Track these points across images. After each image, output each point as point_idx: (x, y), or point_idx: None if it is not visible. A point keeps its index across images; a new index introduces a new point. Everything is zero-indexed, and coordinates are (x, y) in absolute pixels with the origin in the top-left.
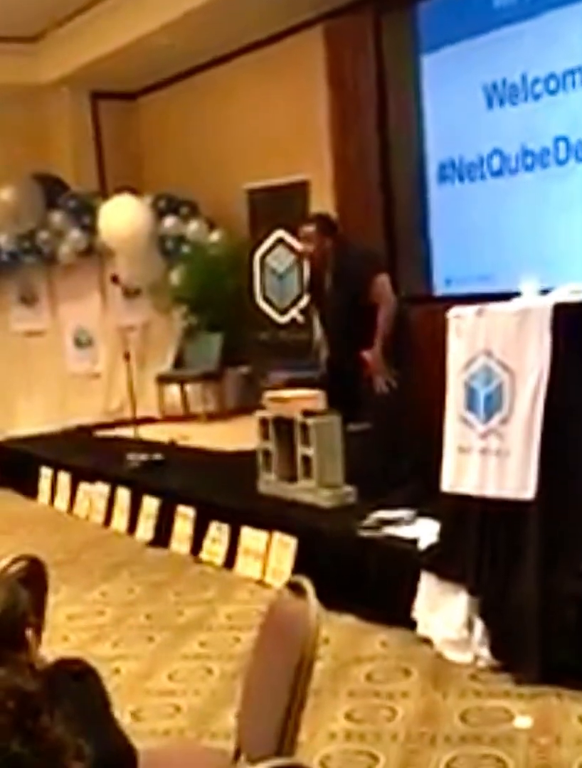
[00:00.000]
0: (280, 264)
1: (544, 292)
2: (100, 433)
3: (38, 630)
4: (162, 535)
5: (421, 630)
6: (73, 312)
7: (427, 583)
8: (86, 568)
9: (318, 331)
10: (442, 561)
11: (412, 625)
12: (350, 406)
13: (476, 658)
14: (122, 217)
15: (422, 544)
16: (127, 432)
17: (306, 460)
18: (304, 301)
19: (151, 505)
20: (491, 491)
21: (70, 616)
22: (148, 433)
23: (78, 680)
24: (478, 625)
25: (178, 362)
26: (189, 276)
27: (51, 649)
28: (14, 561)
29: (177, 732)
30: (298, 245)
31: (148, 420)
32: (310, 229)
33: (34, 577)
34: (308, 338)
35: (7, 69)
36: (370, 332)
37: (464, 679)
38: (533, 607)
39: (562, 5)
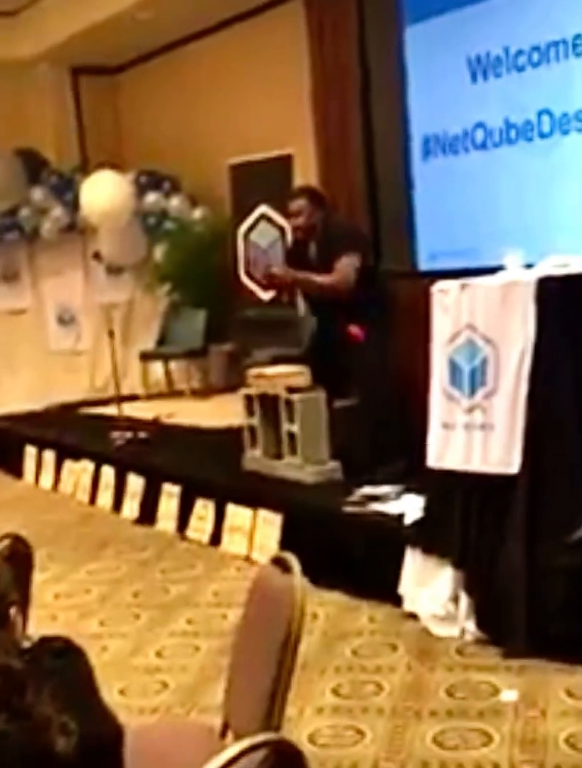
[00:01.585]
0: (264, 239)
1: (528, 266)
2: (85, 410)
3: (23, 608)
4: (148, 513)
5: (408, 605)
6: (56, 289)
7: (412, 558)
8: (72, 546)
9: (302, 305)
10: (428, 536)
11: (398, 600)
12: (336, 382)
13: (463, 632)
14: (104, 193)
15: (408, 520)
16: (111, 410)
17: (291, 436)
18: None
19: (136, 482)
20: (476, 466)
21: (56, 595)
22: (132, 410)
23: (62, 657)
24: (464, 600)
25: (162, 339)
26: (172, 252)
27: (38, 627)
28: None
29: (165, 709)
30: (284, 221)
31: (133, 397)
32: (301, 201)
33: (18, 555)
34: (293, 315)
35: None
36: (355, 305)
37: (451, 654)
38: (519, 581)
39: None
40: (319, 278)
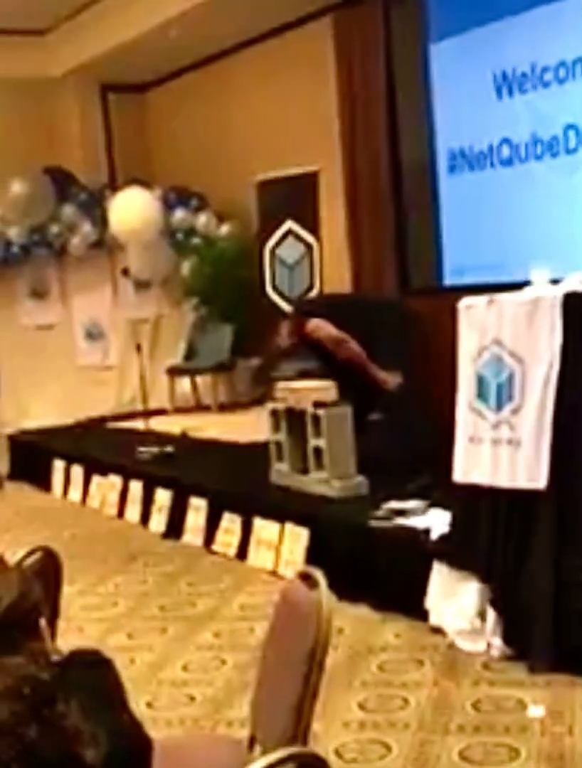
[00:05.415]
0: (290, 255)
1: (555, 281)
2: (112, 425)
3: (52, 620)
4: (175, 527)
5: (434, 620)
6: (85, 305)
7: (439, 573)
8: (100, 559)
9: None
10: (454, 551)
11: (424, 615)
12: (363, 397)
13: (489, 647)
14: (132, 209)
15: (434, 534)
16: (138, 424)
17: (317, 451)
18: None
19: (163, 496)
20: (503, 481)
21: (84, 608)
22: (159, 425)
23: (92, 670)
24: (491, 615)
25: (189, 354)
26: (199, 268)
27: (66, 640)
28: (29, 553)
29: (191, 722)
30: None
31: (160, 412)
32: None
33: (48, 568)
34: None
35: (17, 62)
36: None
37: (477, 668)
38: (546, 596)
39: None
40: (359, 360)
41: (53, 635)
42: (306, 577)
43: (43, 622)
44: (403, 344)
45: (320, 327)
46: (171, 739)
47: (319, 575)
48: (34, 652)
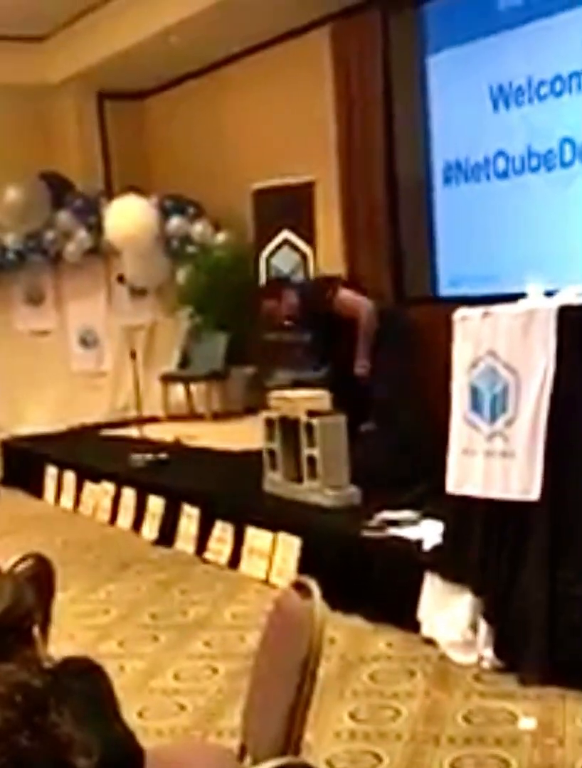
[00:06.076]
0: (286, 264)
1: (550, 293)
2: (106, 432)
3: (44, 628)
4: (167, 534)
5: (426, 631)
6: (79, 311)
7: (431, 584)
8: (92, 567)
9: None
10: (447, 562)
11: (416, 625)
12: (357, 407)
13: (481, 659)
14: (128, 217)
15: (427, 545)
16: (132, 431)
17: (311, 460)
18: None
19: (156, 504)
20: (496, 493)
21: (76, 615)
22: (153, 432)
23: (85, 678)
24: (483, 626)
25: (184, 362)
26: (195, 276)
27: (58, 647)
28: (21, 559)
29: (182, 730)
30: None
31: (154, 419)
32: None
33: (41, 575)
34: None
35: (15, 69)
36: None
37: (469, 680)
38: (538, 608)
39: (568, 7)
40: (364, 339)
41: (45, 642)
42: (300, 587)
43: (35, 629)
44: (401, 352)
45: (352, 298)
46: (162, 747)
47: (312, 585)
48: (27, 659)
